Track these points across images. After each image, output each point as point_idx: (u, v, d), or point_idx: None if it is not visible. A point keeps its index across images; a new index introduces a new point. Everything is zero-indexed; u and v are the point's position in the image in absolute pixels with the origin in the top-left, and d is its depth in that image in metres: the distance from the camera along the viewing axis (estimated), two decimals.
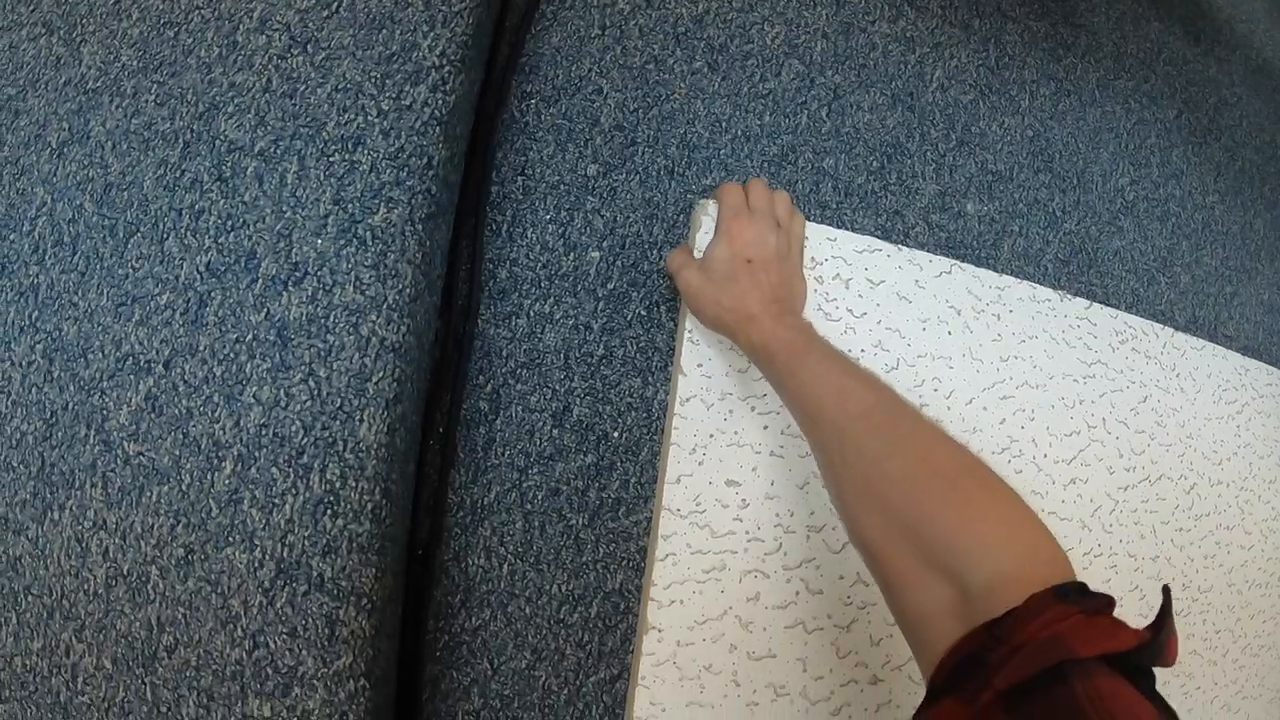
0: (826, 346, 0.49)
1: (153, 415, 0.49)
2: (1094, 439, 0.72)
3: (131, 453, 0.49)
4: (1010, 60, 0.82)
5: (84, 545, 0.47)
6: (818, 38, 0.72)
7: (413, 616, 0.55)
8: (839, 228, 0.66)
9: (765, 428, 0.58)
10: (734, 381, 0.58)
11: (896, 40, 0.76)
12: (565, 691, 0.57)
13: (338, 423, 0.49)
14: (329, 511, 0.48)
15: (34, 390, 0.48)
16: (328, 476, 0.48)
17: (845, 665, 0.59)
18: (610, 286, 0.61)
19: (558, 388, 0.59)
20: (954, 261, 0.67)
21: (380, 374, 0.49)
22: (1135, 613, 0.63)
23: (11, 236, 0.50)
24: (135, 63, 0.54)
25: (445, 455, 0.57)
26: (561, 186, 0.61)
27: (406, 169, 0.51)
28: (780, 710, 0.57)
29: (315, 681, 0.46)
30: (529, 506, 0.57)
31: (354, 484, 0.49)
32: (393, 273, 0.50)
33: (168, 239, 0.51)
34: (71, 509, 0.49)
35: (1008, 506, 0.38)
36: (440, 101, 0.52)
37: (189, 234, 0.50)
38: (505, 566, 0.57)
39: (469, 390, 0.58)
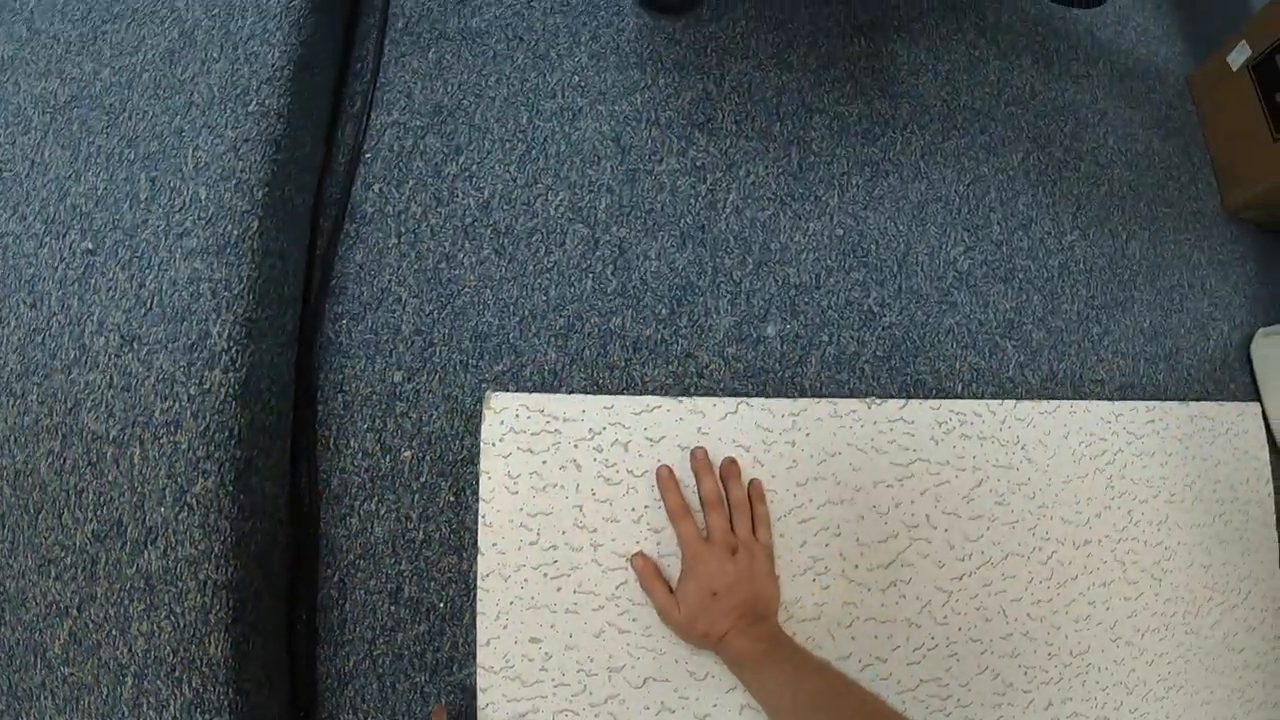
0: (785, 648, 0.62)
1: (76, 645, 0.66)
2: (915, 538, 0.78)
3: (67, 674, 0.67)
4: (816, 158, 0.86)
5: None
6: (602, 194, 0.80)
7: None
8: (627, 386, 0.75)
9: (559, 590, 0.70)
10: (525, 555, 0.69)
11: (685, 174, 0.82)
12: None
13: (194, 645, 0.64)
14: (199, 711, 0.64)
15: None
16: (194, 685, 0.64)
17: None
18: (423, 479, 0.73)
19: (390, 571, 0.72)
20: (740, 400, 0.75)
21: (218, 607, 0.64)
22: (991, 691, 0.71)
23: None
24: (19, 367, 0.71)
25: (310, 635, 0.72)
26: (374, 397, 0.74)
27: (214, 443, 0.64)
28: None
29: None
30: (380, 670, 0.71)
31: (213, 689, 0.64)
32: (215, 529, 0.64)
33: (63, 513, 0.67)
34: (34, 716, 0.68)
35: None
36: (233, 379, 0.65)
37: (76, 509, 0.67)
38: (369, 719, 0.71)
39: (321, 582, 0.72)
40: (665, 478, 0.70)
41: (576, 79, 0.82)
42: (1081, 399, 0.88)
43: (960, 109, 0.93)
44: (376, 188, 0.77)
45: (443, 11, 0.81)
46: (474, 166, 0.78)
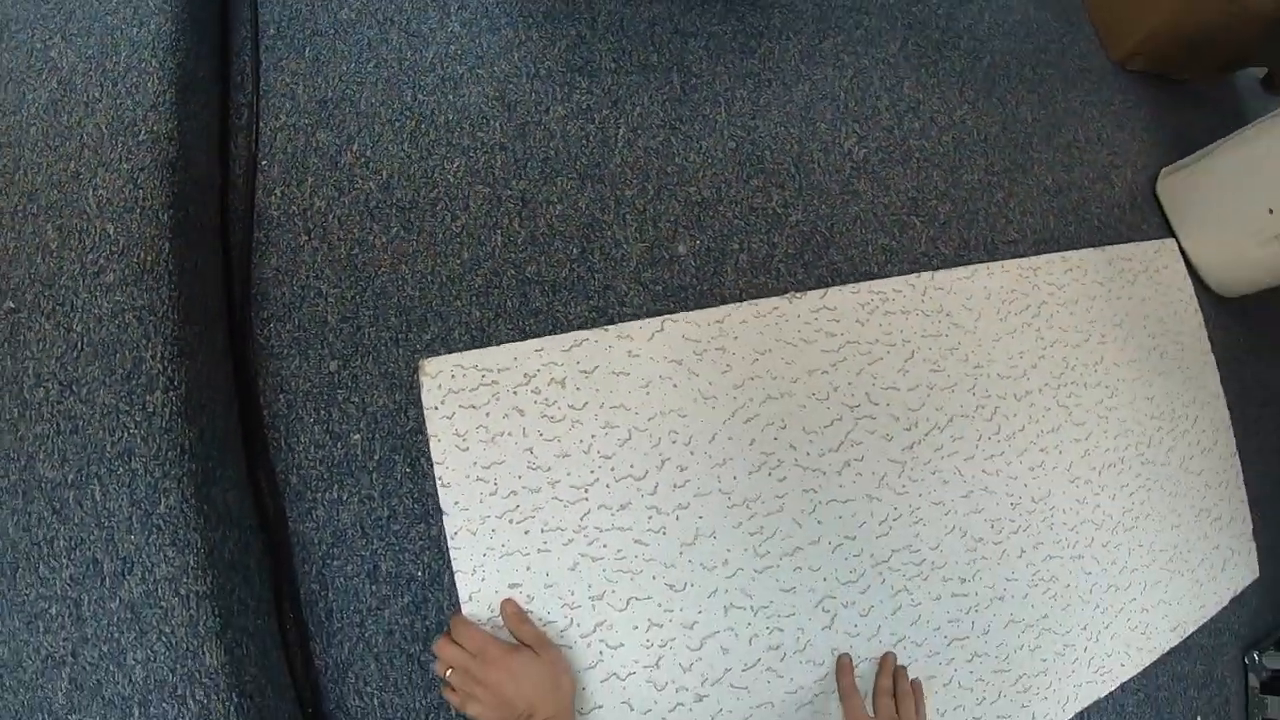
0: None
1: (78, 692, 0.72)
2: (860, 417, 0.87)
3: None
4: (698, 80, 0.94)
5: None
6: (496, 153, 0.87)
7: None
8: (554, 328, 0.82)
9: (526, 532, 0.77)
10: (488, 506, 0.77)
11: (573, 118, 0.90)
12: None
13: (191, 658, 0.70)
14: None
15: None
16: (197, 698, 0.71)
17: (667, 695, 0.78)
18: (376, 458, 0.80)
19: (364, 553, 0.79)
20: (664, 318, 0.83)
21: (205, 617, 0.70)
22: (963, 549, 0.79)
23: None
24: None
25: (300, 632, 0.79)
26: (314, 390, 0.80)
27: (169, 462, 0.70)
28: None
29: None
30: (375, 650, 0.78)
31: (216, 699, 0.70)
32: (186, 543, 0.70)
33: (39, 566, 0.73)
34: None
35: None
36: (174, 398, 0.71)
37: (50, 558, 0.72)
38: (375, 700, 0.78)
39: (301, 579, 0.79)
40: (844, 663, 0.81)
41: (452, 48, 0.90)
42: (997, 260, 0.98)
43: (833, 8, 1.02)
44: (278, 191, 0.83)
45: (311, 10, 0.88)
46: (368, 151, 0.85)
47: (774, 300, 0.86)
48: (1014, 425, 0.94)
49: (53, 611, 0.67)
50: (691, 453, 0.81)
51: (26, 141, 0.71)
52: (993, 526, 0.91)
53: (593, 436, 0.79)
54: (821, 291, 0.88)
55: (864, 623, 0.84)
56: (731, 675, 0.80)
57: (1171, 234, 1.11)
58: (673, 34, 0.95)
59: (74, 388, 0.69)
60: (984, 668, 0.89)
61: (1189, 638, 1.03)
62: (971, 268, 0.95)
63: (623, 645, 0.77)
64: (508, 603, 0.75)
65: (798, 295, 0.87)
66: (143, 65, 0.73)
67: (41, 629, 0.68)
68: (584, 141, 0.89)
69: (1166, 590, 1.00)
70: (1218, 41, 1.12)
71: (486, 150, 0.87)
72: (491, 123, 0.88)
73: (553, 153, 0.88)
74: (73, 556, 0.68)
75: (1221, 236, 1.07)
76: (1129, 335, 1.03)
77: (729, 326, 0.84)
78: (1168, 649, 1.00)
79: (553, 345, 0.80)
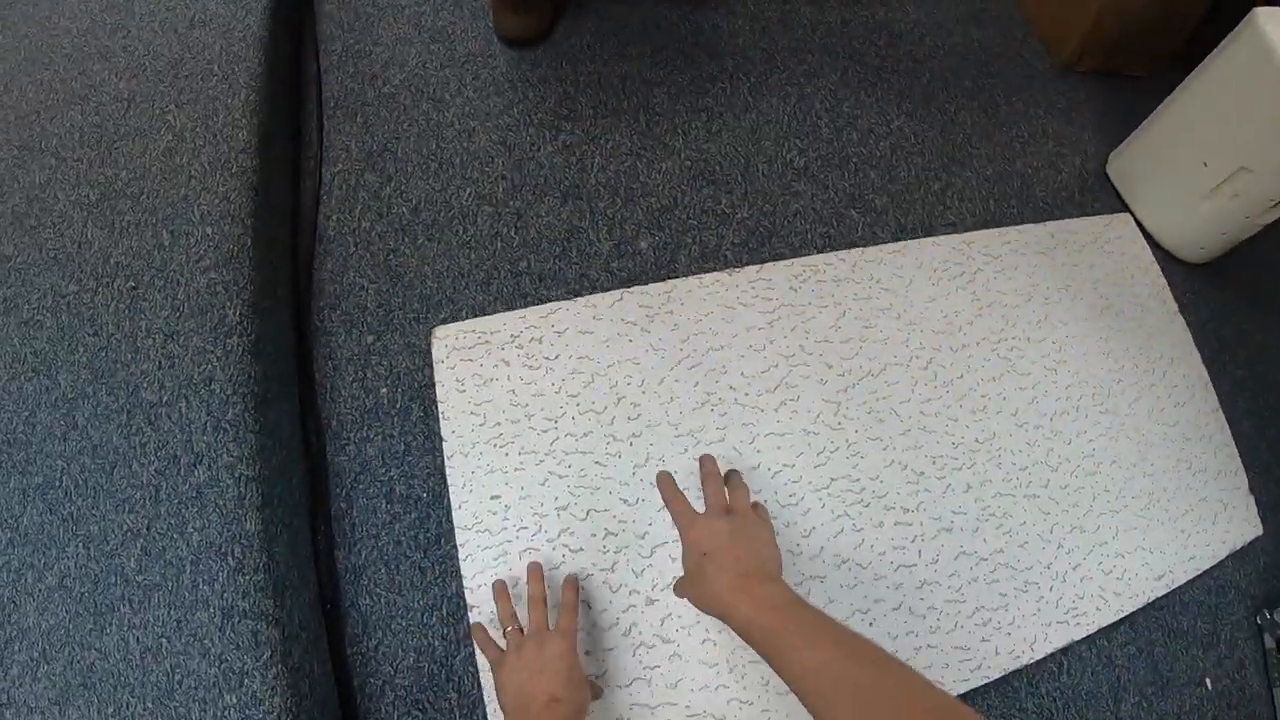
0: (796, 617, 0.60)
1: (146, 557, 1.00)
2: (794, 365, 1.05)
3: (140, 581, 1.00)
4: (660, 117, 1.23)
5: None
6: (499, 182, 1.18)
7: (337, 648, 1.00)
8: (538, 306, 1.09)
9: (506, 454, 0.99)
10: (477, 434, 1.01)
11: (559, 153, 1.20)
12: (443, 673, 0.97)
13: (234, 524, 0.96)
14: (240, 574, 0.95)
15: None
16: (236, 555, 0.88)
17: (620, 596, 0.95)
18: (399, 405, 1.07)
19: (383, 479, 1.04)
20: (623, 290, 1.07)
21: (250, 493, 0.89)
22: (903, 481, 0.94)
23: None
24: (90, 375, 1.11)
25: (328, 542, 1.04)
26: (354, 357, 1.09)
27: (237, 383, 0.99)
28: (581, 642, 0.93)
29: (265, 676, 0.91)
30: (385, 557, 1.01)
31: (249, 557, 0.87)
32: (243, 440, 0.99)
33: (132, 463, 1.03)
34: (113, 625, 1.00)
35: None
36: (246, 341, 1.00)
37: (141, 456, 1.03)
38: (383, 599, 1.00)
39: (332, 498, 1.04)
40: (664, 478, 0.80)
41: (467, 109, 1.24)
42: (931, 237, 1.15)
43: (779, 51, 1.28)
44: (335, 217, 1.17)
45: (360, 87, 1.25)
46: (402, 186, 1.19)
47: (716, 274, 1.08)
48: (951, 374, 1.07)
49: (137, 496, 0.88)
50: (644, 392, 1.02)
51: (149, 176, 1.07)
52: (934, 462, 1.03)
53: (562, 380, 1.02)
54: (758, 267, 1.09)
55: (806, 543, 0.98)
56: None
57: (1127, 211, 1.24)
58: (640, 84, 1.25)
59: (175, 337, 0.98)
60: (935, 596, 0.98)
61: (1183, 592, 1.06)
62: (904, 243, 1.13)
63: (582, 550, 0.95)
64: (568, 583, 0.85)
65: (737, 270, 1.09)
66: (235, 122, 1.10)
67: (126, 509, 0.88)
68: (567, 169, 1.19)
69: (1144, 537, 1.05)
70: (1157, 29, 1.28)
71: (491, 180, 1.18)
72: (495, 160, 1.19)
73: (542, 179, 1.18)
74: (159, 454, 0.90)
75: (1170, 201, 1.17)
76: (1077, 297, 1.15)
77: (677, 295, 1.07)
78: (1153, 598, 1.03)
79: (533, 313, 1.06)
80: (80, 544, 0.85)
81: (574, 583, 0.87)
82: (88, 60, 1.18)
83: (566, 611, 0.81)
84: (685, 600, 0.71)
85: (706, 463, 0.81)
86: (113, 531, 0.88)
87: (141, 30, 1.24)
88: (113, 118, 1.11)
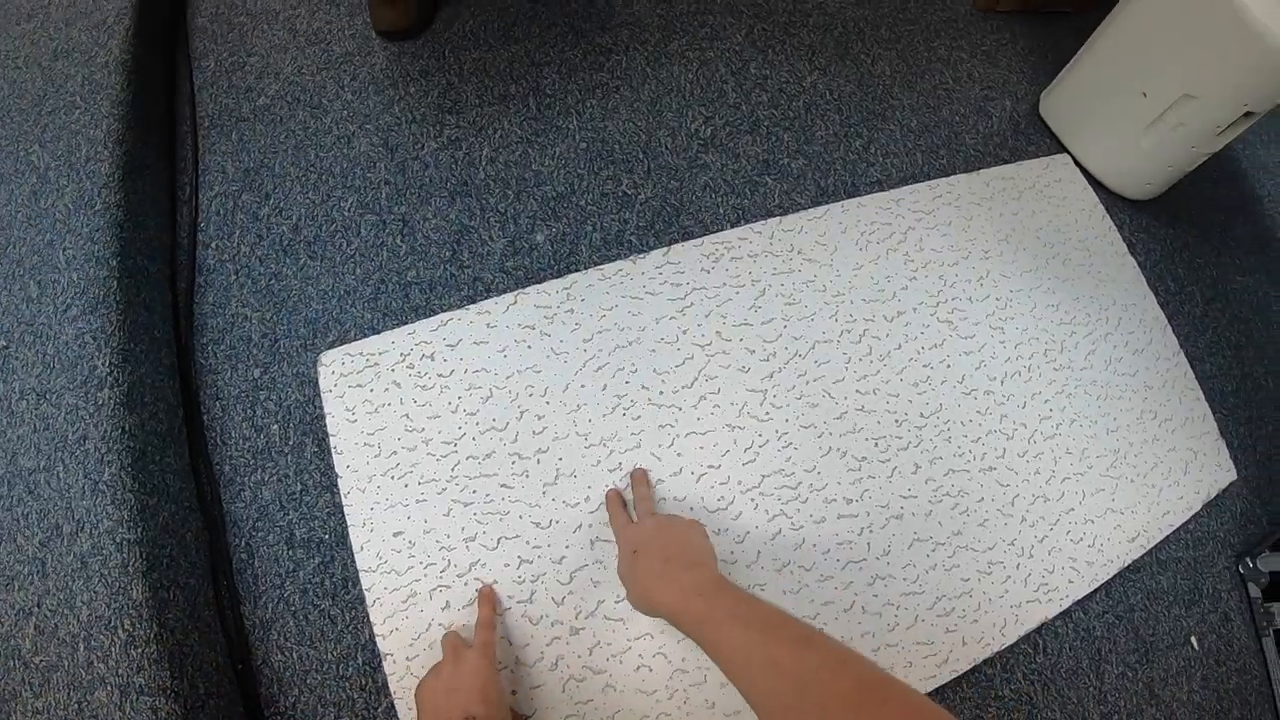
0: (722, 600, 0.59)
1: (40, 636, 0.91)
2: (711, 354, 0.95)
3: (38, 663, 0.91)
4: (551, 98, 1.12)
5: None
6: (381, 187, 1.07)
7: (253, 710, 0.91)
8: (430, 317, 0.98)
9: (406, 486, 0.89)
10: (373, 466, 0.91)
11: (444, 149, 1.09)
12: None
13: (121, 594, 0.87)
14: (132, 647, 0.86)
15: None
16: (125, 627, 0.81)
17: (542, 629, 0.85)
18: (291, 443, 0.97)
19: (282, 524, 0.94)
20: (517, 291, 0.97)
21: (135, 559, 0.84)
22: (844, 469, 0.84)
23: None
24: None
25: (233, 596, 0.95)
26: (242, 394, 0.99)
27: (112, 440, 0.90)
28: (506, 681, 0.84)
29: None
30: (293, 608, 0.92)
31: (140, 628, 0.80)
32: (122, 501, 0.89)
33: (16, 537, 0.94)
34: (18, 711, 0.91)
35: (914, 713, 0.45)
36: (118, 393, 0.90)
37: (25, 529, 0.94)
38: (295, 654, 0.90)
39: (232, 550, 0.95)
40: (611, 496, 0.85)
41: (345, 112, 1.13)
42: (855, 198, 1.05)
43: (677, 16, 1.17)
44: (214, 245, 1.07)
45: (235, 102, 1.14)
46: (281, 203, 1.08)
47: (618, 264, 0.98)
48: (888, 345, 0.97)
49: (25, 572, 0.84)
50: (547, 402, 0.92)
51: (16, 224, 0.98)
52: (876, 445, 0.93)
53: (459, 398, 0.92)
54: (664, 249, 0.99)
55: (740, 549, 0.88)
56: (605, 608, 0.85)
57: (1065, 150, 1.13)
58: (529, 66, 1.14)
59: (47, 396, 0.91)
60: (891, 591, 0.89)
61: (1159, 550, 0.96)
62: (824, 207, 1.03)
63: (496, 582, 0.86)
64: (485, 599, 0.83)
65: (641, 256, 0.99)
66: (98, 156, 1.00)
67: (16, 588, 0.85)
68: (453, 166, 1.08)
69: (1113, 498, 0.95)
70: None
71: (374, 186, 1.07)
72: (377, 164, 1.09)
73: (428, 179, 1.07)
74: (42, 524, 0.85)
75: (1110, 137, 1.07)
76: (1019, 248, 1.05)
77: (576, 291, 0.96)
78: (1129, 562, 0.94)
79: (423, 327, 0.96)
80: None
81: (490, 597, 0.83)
82: None
83: (482, 628, 0.78)
84: (616, 624, 0.75)
85: (636, 473, 0.86)
86: (6, 612, 0.83)
87: (6, 68, 1.15)
88: None
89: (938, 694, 0.90)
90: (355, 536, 0.87)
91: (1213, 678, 0.97)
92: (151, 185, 1.07)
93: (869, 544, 0.89)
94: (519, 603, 0.85)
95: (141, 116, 1.07)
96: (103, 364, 0.91)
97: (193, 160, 1.10)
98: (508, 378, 0.92)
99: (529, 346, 0.93)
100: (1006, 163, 1.10)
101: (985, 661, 0.90)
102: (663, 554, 0.67)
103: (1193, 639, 0.94)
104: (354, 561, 0.89)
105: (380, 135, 1.10)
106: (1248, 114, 0.95)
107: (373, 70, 1.15)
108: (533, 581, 0.85)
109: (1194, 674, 0.96)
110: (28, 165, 1.01)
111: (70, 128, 1.02)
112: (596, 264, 0.99)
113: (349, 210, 1.05)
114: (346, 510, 0.88)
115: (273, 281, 1.02)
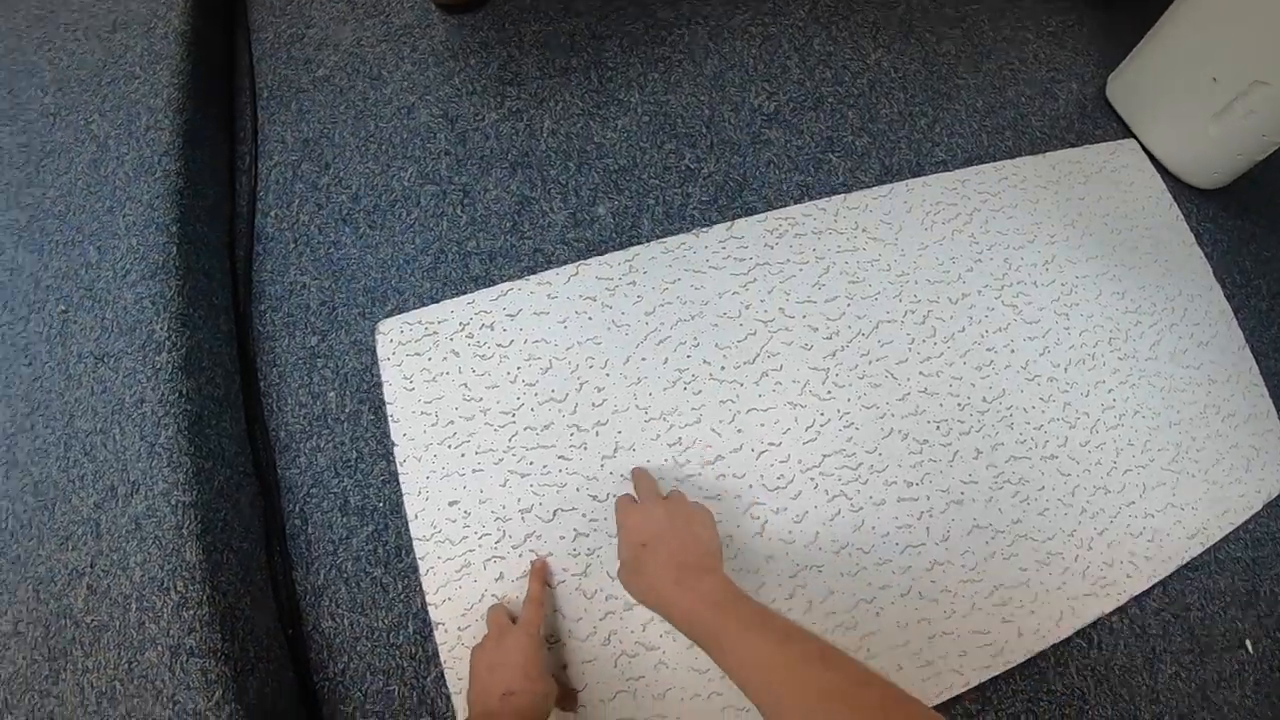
0: (739, 611, 0.57)
1: (93, 596, 0.91)
2: (774, 330, 0.93)
3: (89, 622, 0.91)
4: (613, 72, 1.10)
5: None
6: (441, 158, 1.06)
7: (303, 675, 0.90)
8: (491, 287, 0.97)
9: (462, 455, 0.89)
10: (430, 435, 0.90)
11: (505, 120, 1.08)
12: (414, 695, 0.88)
13: (175, 555, 0.84)
14: (184, 609, 0.86)
15: None
16: (178, 589, 0.81)
17: (596, 603, 0.85)
18: (348, 410, 0.96)
19: (336, 490, 0.94)
20: (580, 262, 0.96)
21: (189, 521, 0.82)
22: (906, 451, 0.83)
23: None
24: (26, 407, 1.01)
25: (285, 562, 0.95)
26: (300, 361, 0.99)
27: (169, 404, 0.90)
28: (558, 655, 0.83)
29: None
30: (345, 575, 0.91)
31: (192, 589, 0.79)
32: (178, 464, 0.89)
33: (72, 498, 0.94)
34: (69, 668, 0.92)
35: None
36: (175, 358, 0.90)
37: (80, 490, 0.94)
38: (345, 621, 0.90)
39: (286, 516, 0.95)
40: (637, 473, 0.82)
41: (405, 83, 1.12)
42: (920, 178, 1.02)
43: None
44: (273, 214, 1.06)
45: (294, 73, 1.14)
46: (340, 173, 1.07)
47: (681, 237, 0.96)
48: (952, 327, 0.95)
49: (79, 533, 0.84)
50: (607, 375, 0.91)
51: (76, 191, 0.98)
52: (938, 428, 0.91)
53: (518, 368, 0.91)
54: (728, 224, 0.97)
55: (799, 529, 0.87)
56: None
57: (1132, 135, 1.10)
58: (590, 39, 1.12)
59: (106, 359, 0.91)
60: (948, 577, 0.87)
61: (1218, 549, 0.94)
62: (889, 186, 1.00)
63: (551, 555, 0.86)
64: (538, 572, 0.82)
65: (704, 230, 0.97)
66: (158, 124, 1.00)
67: (70, 547, 0.85)
68: (514, 137, 1.07)
69: (1174, 493, 0.93)
70: None
71: (434, 157, 1.06)
72: (437, 135, 1.08)
73: (488, 150, 1.06)
74: (97, 485, 0.86)
75: (1178, 123, 1.04)
76: (1086, 233, 1.02)
77: (639, 264, 0.95)
78: (1188, 559, 0.92)
79: (483, 297, 0.95)
80: (30, 587, 0.81)
81: (541, 572, 0.82)
82: (15, 79, 1.10)
83: (529, 603, 0.78)
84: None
85: (636, 470, 0.83)
86: (59, 571, 0.83)
87: (66, 41, 1.15)
88: (39, 135, 1.04)
89: (991, 685, 0.88)
90: (410, 505, 0.87)
91: (1266, 683, 0.94)
92: (210, 154, 1.07)
93: (928, 529, 0.88)
94: (574, 575, 0.84)
95: (200, 87, 1.07)
96: (161, 329, 0.91)
97: (251, 130, 1.09)
98: (568, 349, 0.90)
99: (590, 318, 0.92)
100: (1073, 146, 1.07)
101: (1039, 654, 0.88)
102: (675, 557, 0.64)
103: (1247, 642, 0.92)
104: (407, 530, 0.88)
105: (440, 106, 1.09)
106: None
107: (432, 42, 1.13)
108: (588, 555, 0.84)
109: (1247, 678, 0.94)
110: (87, 134, 1.02)
111: (130, 97, 1.02)
112: (658, 237, 0.97)
113: (409, 180, 1.04)
114: (402, 478, 0.88)
115: (331, 250, 1.02)
